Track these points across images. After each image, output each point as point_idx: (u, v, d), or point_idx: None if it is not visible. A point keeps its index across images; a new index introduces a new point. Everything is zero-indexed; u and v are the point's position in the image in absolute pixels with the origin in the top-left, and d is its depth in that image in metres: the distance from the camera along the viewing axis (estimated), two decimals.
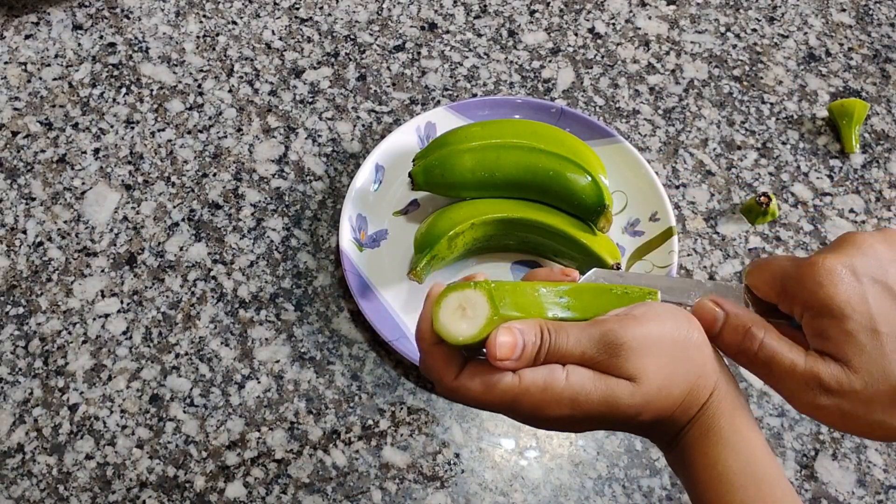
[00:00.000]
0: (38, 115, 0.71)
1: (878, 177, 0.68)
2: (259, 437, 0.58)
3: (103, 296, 0.63)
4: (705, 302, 0.41)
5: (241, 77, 0.73)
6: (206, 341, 0.61)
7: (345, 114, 0.71)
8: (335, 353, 0.61)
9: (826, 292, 0.37)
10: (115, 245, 0.65)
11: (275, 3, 0.77)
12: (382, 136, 0.69)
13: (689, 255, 0.65)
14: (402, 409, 0.59)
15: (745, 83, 0.73)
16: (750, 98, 0.72)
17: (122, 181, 0.68)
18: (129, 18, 0.76)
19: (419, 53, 0.74)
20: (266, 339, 0.61)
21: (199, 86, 0.72)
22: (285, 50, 0.74)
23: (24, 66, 0.73)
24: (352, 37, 0.75)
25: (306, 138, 0.70)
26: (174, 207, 0.66)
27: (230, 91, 0.72)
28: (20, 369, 0.60)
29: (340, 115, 0.71)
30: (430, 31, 0.75)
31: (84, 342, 0.61)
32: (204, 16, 0.76)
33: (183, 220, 0.66)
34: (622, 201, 0.65)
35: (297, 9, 0.77)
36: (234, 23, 0.76)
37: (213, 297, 0.63)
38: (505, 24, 0.76)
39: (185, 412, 0.59)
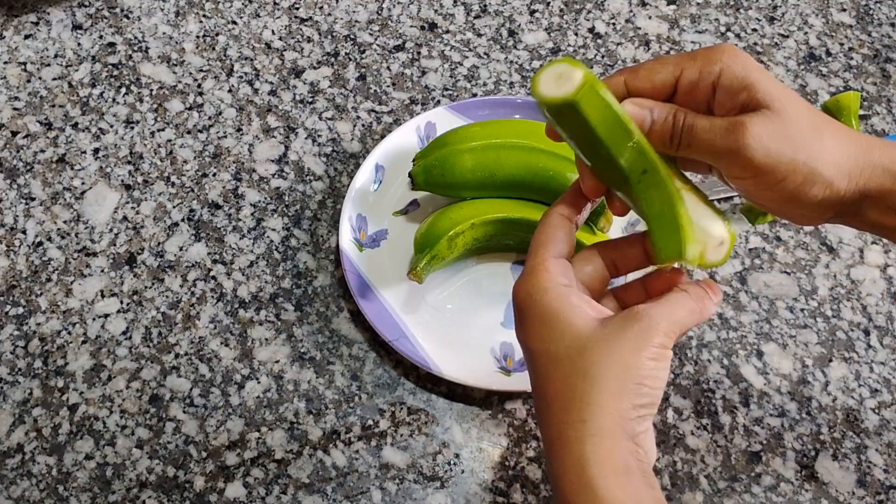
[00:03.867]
0: (38, 114, 0.71)
1: None
2: (259, 438, 0.58)
3: (103, 296, 0.63)
4: (630, 105, 0.41)
5: (241, 77, 0.73)
6: (206, 341, 0.61)
7: (345, 114, 0.71)
8: (335, 353, 0.61)
9: (741, 71, 0.40)
10: (114, 245, 0.65)
11: (275, 3, 0.77)
12: (382, 136, 0.69)
13: None
14: (402, 409, 0.59)
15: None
16: None
17: (122, 181, 0.68)
18: (128, 18, 0.76)
19: (419, 53, 0.74)
20: (266, 339, 0.61)
21: (199, 86, 0.72)
22: (285, 50, 0.74)
23: (23, 66, 0.73)
24: (352, 36, 0.75)
25: (306, 138, 0.70)
26: (174, 207, 0.66)
27: (230, 91, 0.72)
28: (20, 369, 0.60)
29: (340, 115, 0.71)
30: (430, 31, 0.75)
31: (84, 342, 0.61)
32: (204, 16, 0.76)
33: (183, 220, 0.66)
34: None
35: (297, 9, 0.77)
36: (234, 23, 0.76)
37: (212, 297, 0.63)
38: (505, 23, 0.76)
39: (184, 412, 0.58)
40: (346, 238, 0.63)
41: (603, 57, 0.74)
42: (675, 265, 0.43)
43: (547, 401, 0.39)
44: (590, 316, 0.40)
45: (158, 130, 0.70)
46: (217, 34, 0.75)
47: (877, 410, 0.59)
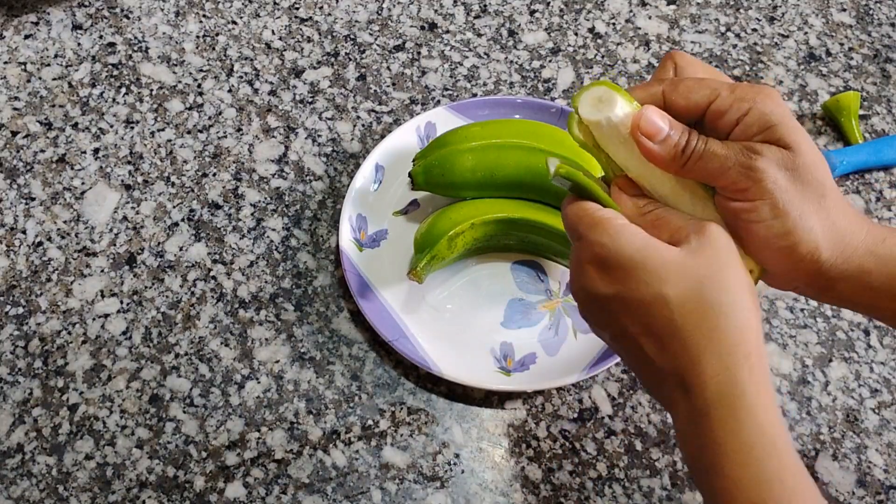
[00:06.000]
0: (38, 114, 0.71)
1: (878, 177, 0.68)
2: (259, 437, 0.58)
3: (103, 296, 0.63)
4: (651, 112, 0.41)
5: (241, 77, 0.73)
6: (206, 341, 0.61)
7: (345, 114, 0.71)
8: (335, 353, 0.61)
9: (774, 111, 0.40)
10: (114, 245, 0.65)
11: (275, 3, 0.77)
12: (382, 136, 0.69)
13: None
14: (402, 409, 0.59)
15: (745, 83, 0.73)
16: None
17: (122, 181, 0.68)
18: (128, 18, 0.76)
19: (419, 53, 0.74)
20: (266, 339, 0.61)
21: (199, 86, 0.72)
22: (285, 50, 0.74)
23: (23, 66, 0.73)
24: (352, 36, 0.75)
25: (306, 138, 0.70)
26: (174, 207, 0.66)
27: (230, 91, 0.72)
28: (20, 369, 0.60)
29: (340, 115, 0.71)
30: (430, 31, 0.75)
31: (84, 342, 0.61)
32: (204, 16, 0.76)
33: (183, 220, 0.66)
34: None
35: (297, 8, 0.77)
36: (234, 23, 0.76)
37: (212, 297, 0.63)
38: (505, 23, 0.76)
39: (184, 412, 0.58)
40: (346, 238, 0.63)
41: (603, 57, 0.74)
42: None
43: (681, 339, 0.38)
44: (671, 247, 0.40)
45: (158, 130, 0.70)
46: (217, 34, 0.75)
47: (877, 410, 0.59)
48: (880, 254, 0.40)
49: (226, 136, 0.70)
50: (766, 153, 0.39)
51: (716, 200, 0.42)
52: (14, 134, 0.70)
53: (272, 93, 0.72)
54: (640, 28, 0.76)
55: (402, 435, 0.58)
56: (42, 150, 0.69)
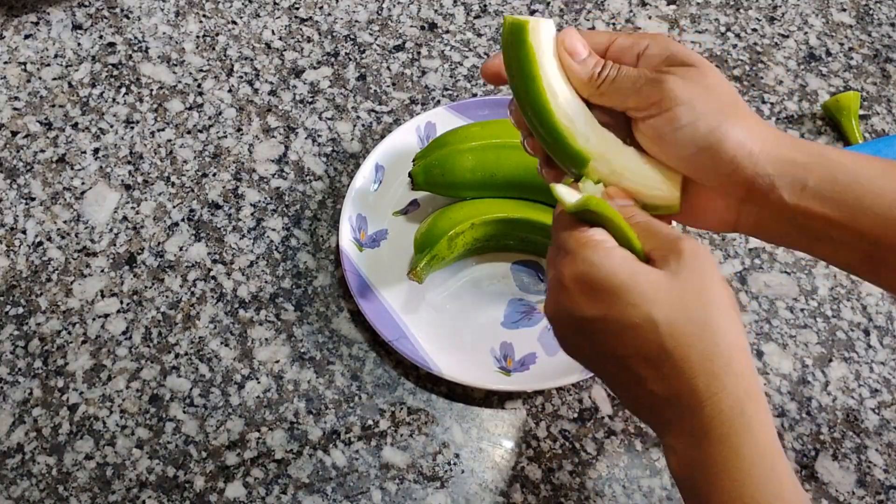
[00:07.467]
0: (38, 114, 0.71)
1: None
2: (259, 437, 0.58)
3: (103, 296, 0.63)
4: (573, 36, 0.43)
5: (241, 77, 0.73)
6: (206, 341, 0.61)
7: (345, 114, 0.71)
8: (335, 353, 0.61)
9: (674, 48, 0.42)
10: (114, 245, 0.65)
11: (275, 3, 0.77)
12: (382, 136, 0.69)
13: None
14: (402, 409, 0.59)
15: (745, 83, 0.73)
16: (750, 98, 0.72)
17: (122, 181, 0.68)
18: (128, 18, 0.76)
19: (419, 53, 0.74)
20: (266, 339, 0.61)
21: (199, 86, 0.72)
22: (285, 50, 0.74)
23: (23, 66, 0.73)
24: (352, 36, 0.75)
25: (306, 138, 0.70)
26: (174, 207, 0.66)
27: (230, 91, 0.72)
28: (20, 369, 0.60)
29: (340, 115, 0.71)
30: (430, 30, 0.75)
31: (84, 342, 0.61)
32: (204, 16, 0.76)
33: (183, 220, 0.66)
34: None
35: (297, 8, 0.77)
36: (234, 23, 0.76)
37: (212, 297, 0.63)
38: None
39: (184, 412, 0.58)
40: (346, 238, 0.63)
41: None
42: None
43: (674, 361, 0.38)
44: (656, 270, 0.39)
45: (158, 130, 0.70)
46: (217, 34, 0.75)
47: (877, 410, 0.59)
48: (810, 150, 0.40)
49: (226, 136, 0.70)
50: (674, 71, 0.41)
51: (635, 129, 0.42)
52: (14, 134, 0.70)
53: (272, 93, 0.72)
54: (640, 28, 0.76)
55: (402, 435, 0.58)
56: (42, 150, 0.69)
